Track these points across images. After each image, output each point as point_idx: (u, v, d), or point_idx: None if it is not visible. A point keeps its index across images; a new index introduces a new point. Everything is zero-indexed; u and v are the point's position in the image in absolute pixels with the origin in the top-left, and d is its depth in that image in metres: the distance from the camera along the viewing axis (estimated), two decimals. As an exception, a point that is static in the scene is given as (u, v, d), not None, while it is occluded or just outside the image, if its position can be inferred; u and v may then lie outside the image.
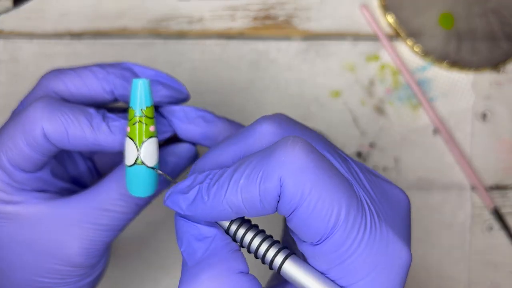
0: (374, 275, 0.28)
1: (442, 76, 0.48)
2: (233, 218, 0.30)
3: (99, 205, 0.34)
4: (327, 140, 0.32)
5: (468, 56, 0.48)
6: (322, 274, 0.29)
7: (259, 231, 0.30)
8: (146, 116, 0.32)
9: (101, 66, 0.36)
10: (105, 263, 0.38)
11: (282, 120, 0.31)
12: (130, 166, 0.32)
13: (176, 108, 0.36)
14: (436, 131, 0.48)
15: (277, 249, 0.30)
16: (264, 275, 0.34)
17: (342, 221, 0.27)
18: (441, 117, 0.48)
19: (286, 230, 0.36)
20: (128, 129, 0.32)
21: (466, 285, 0.48)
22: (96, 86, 0.36)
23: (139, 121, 0.32)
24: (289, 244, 0.35)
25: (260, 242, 0.30)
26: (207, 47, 0.47)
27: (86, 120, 0.33)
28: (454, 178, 0.48)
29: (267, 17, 0.48)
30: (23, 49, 0.47)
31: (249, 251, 0.30)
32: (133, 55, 0.47)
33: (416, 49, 0.48)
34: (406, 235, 0.30)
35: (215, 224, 0.30)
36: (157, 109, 0.37)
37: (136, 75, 0.36)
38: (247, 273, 0.29)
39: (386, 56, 0.48)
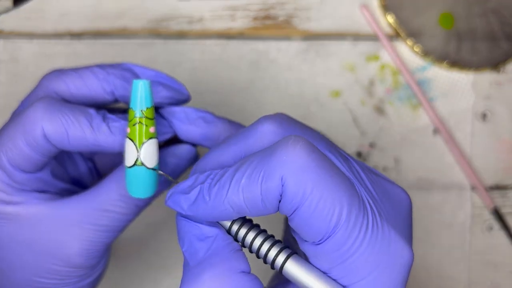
0: (376, 274, 0.28)
1: (442, 76, 0.48)
2: (234, 218, 0.30)
3: (99, 206, 0.34)
4: (328, 140, 0.32)
5: (468, 56, 0.48)
6: (324, 274, 0.29)
7: (260, 231, 0.30)
8: (146, 117, 0.32)
9: (102, 66, 0.36)
10: (105, 264, 0.38)
11: (283, 119, 0.31)
12: (130, 167, 0.32)
13: (177, 109, 0.36)
14: (436, 131, 0.48)
15: (278, 249, 0.30)
16: (266, 274, 0.34)
17: (344, 220, 0.27)
18: (441, 117, 0.48)
19: (287, 230, 0.36)
20: (128, 130, 0.32)
21: (466, 285, 0.48)
22: (96, 87, 0.36)
23: (139, 122, 0.32)
24: (290, 244, 0.35)
25: (261, 242, 0.30)
26: (207, 47, 0.47)
27: (86, 120, 0.33)
28: (454, 178, 0.48)
29: (267, 17, 0.48)
30: (23, 49, 0.47)
31: (250, 251, 0.30)
32: (133, 55, 0.47)
33: (416, 49, 0.48)
34: (407, 234, 0.30)
35: (216, 224, 0.30)
36: (158, 110, 0.36)
37: (137, 76, 0.36)
38: (249, 272, 0.29)
39: (386, 56, 0.48)
